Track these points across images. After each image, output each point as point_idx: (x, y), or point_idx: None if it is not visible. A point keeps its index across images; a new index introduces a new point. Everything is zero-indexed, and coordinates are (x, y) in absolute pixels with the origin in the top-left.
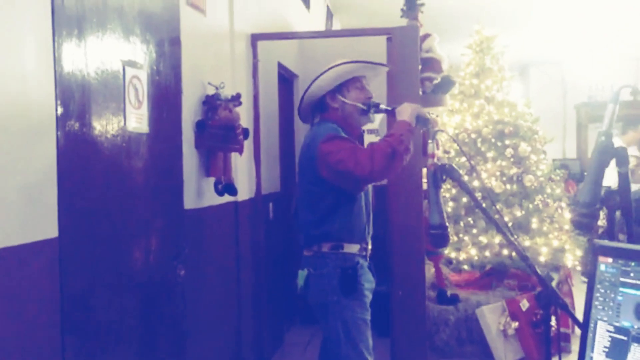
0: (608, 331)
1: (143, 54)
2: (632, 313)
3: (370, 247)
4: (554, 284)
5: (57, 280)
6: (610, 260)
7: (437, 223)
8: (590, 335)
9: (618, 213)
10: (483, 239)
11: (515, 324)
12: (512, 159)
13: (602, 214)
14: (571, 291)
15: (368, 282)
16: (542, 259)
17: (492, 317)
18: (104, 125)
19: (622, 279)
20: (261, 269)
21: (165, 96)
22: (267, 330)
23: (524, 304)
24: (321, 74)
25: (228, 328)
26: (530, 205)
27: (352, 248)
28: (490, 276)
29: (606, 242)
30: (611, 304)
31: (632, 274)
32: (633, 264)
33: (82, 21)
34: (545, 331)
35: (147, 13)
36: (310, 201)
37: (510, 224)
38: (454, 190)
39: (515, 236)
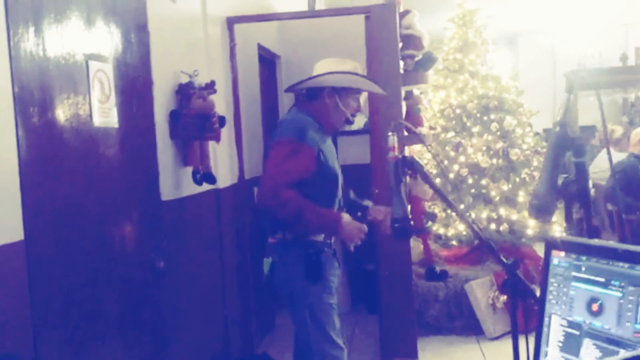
0: (561, 325)
1: (108, 46)
2: (584, 308)
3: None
4: (542, 255)
5: (26, 285)
6: (562, 254)
7: (399, 216)
8: (545, 329)
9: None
10: (471, 214)
11: (504, 298)
12: (497, 133)
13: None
14: None
15: (333, 268)
16: (529, 231)
17: (481, 291)
18: (70, 122)
19: (574, 274)
20: (247, 253)
21: (134, 88)
22: (255, 315)
23: None
24: (335, 72)
25: (214, 317)
26: (517, 179)
27: (317, 236)
28: (479, 251)
29: (559, 236)
30: (564, 298)
31: (583, 269)
32: (584, 258)
33: (39, 14)
34: (512, 319)
35: (110, 1)
36: None
37: (497, 198)
38: (441, 165)
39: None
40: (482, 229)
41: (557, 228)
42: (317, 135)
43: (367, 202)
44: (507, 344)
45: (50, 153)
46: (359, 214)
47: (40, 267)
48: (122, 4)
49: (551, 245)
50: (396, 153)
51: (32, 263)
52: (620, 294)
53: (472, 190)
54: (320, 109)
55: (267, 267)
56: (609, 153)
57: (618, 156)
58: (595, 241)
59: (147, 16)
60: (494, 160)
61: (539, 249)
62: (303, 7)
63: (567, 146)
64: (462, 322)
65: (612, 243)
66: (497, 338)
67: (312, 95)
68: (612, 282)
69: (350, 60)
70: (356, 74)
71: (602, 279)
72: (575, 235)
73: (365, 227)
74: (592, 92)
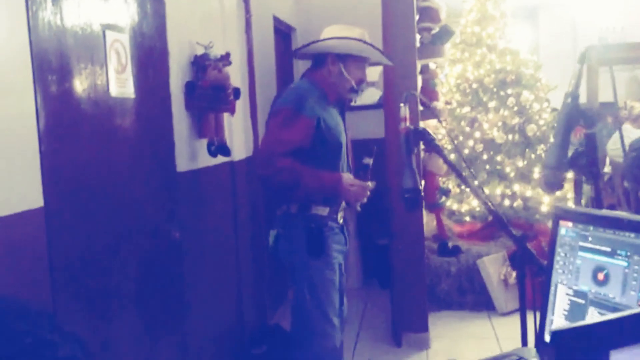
0: (567, 294)
1: (124, 16)
2: (590, 277)
3: (343, 208)
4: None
5: (45, 252)
6: (570, 224)
7: (410, 187)
8: (551, 298)
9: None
10: (485, 190)
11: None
12: (514, 109)
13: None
14: None
15: (337, 244)
16: (544, 208)
17: (493, 267)
18: (87, 92)
19: (580, 243)
20: (261, 226)
21: (150, 59)
22: (268, 287)
23: None
24: (340, 37)
25: (228, 288)
26: (533, 155)
27: (322, 210)
28: (492, 227)
29: (567, 207)
30: (570, 267)
31: (590, 239)
32: (591, 228)
33: None
34: (520, 291)
35: None
36: None
37: (512, 174)
38: (455, 141)
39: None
40: (496, 204)
41: (572, 205)
42: (317, 104)
43: (368, 160)
44: (518, 320)
45: (68, 122)
46: (360, 172)
47: (59, 234)
48: None
49: (559, 215)
50: (408, 124)
51: (51, 230)
52: (625, 263)
53: (487, 167)
54: (324, 77)
55: (272, 239)
56: (620, 131)
57: (636, 133)
58: (602, 211)
59: None
60: (510, 136)
61: None
62: None
63: (578, 118)
64: (474, 298)
65: (618, 213)
66: (508, 314)
67: (317, 63)
68: (618, 251)
69: (357, 28)
70: (362, 41)
71: (608, 249)
72: None
73: (369, 184)
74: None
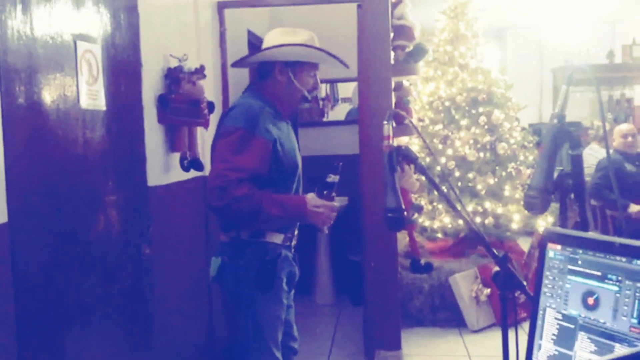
0: (556, 319)
1: (97, 27)
2: (580, 301)
3: (296, 235)
4: (526, 249)
5: (9, 268)
6: (559, 247)
7: (393, 206)
8: (539, 322)
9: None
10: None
11: (488, 291)
12: (485, 127)
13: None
14: None
15: (289, 276)
16: (514, 225)
17: (465, 284)
18: (56, 104)
19: (570, 267)
20: None
21: (123, 70)
22: None
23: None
24: (284, 45)
25: (199, 304)
26: (503, 173)
27: (276, 237)
28: (464, 243)
29: (556, 229)
30: (559, 291)
31: (579, 262)
32: (581, 251)
33: None
34: (502, 312)
35: None
36: None
37: (483, 192)
38: (428, 159)
39: (480, 209)
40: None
41: (541, 222)
42: (271, 123)
43: (333, 178)
44: (489, 337)
45: (36, 134)
46: (325, 192)
47: (23, 250)
48: None
49: (547, 237)
50: (391, 142)
51: (15, 246)
52: (617, 288)
53: (459, 183)
54: (273, 89)
55: (215, 268)
56: (606, 147)
57: (602, 152)
58: (592, 234)
59: None
60: (481, 154)
61: (523, 243)
62: None
63: (564, 139)
64: (446, 315)
65: (609, 237)
66: (479, 330)
67: (263, 73)
68: (609, 276)
69: (303, 30)
70: (311, 46)
71: (598, 273)
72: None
73: (335, 204)
74: (579, 88)
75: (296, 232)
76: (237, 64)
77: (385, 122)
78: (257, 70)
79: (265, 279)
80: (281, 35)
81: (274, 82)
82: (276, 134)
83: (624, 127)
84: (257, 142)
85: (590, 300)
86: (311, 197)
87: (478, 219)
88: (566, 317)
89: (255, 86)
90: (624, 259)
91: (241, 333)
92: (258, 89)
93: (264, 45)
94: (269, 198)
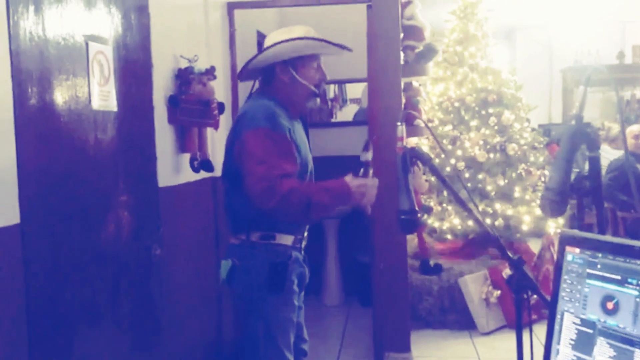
0: (574, 323)
1: (108, 27)
2: (599, 306)
3: (306, 237)
4: (536, 251)
5: (21, 268)
6: (577, 250)
7: (406, 208)
8: (556, 327)
9: None
10: (470, 209)
11: (498, 292)
12: (495, 127)
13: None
14: (553, 258)
15: (300, 277)
16: (524, 227)
17: (475, 285)
18: (68, 105)
19: (589, 271)
20: None
21: (134, 71)
22: None
23: (507, 272)
24: (278, 43)
25: (208, 305)
26: (514, 174)
27: (286, 239)
28: (473, 245)
29: (574, 232)
30: (578, 295)
31: (599, 266)
32: (600, 255)
33: None
34: (517, 316)
35: None
36: (238, 180)
37: (493, 193)
38: (437, 160)
39: (490, 210)
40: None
41: (552, 224)
42: (286, 122)
43: (366, 156)
44: (499, 339)
45: (48, 135)
46: (362, 170)
47: (35, 251)
48: None
49: (566, 241)
50: (404, 143)
51: (27, 246)
52: (637, 293)
53: (469, 185)
54: (279, 90)
55: (225, 271)
56: (625, 148)
57: (613, 154)
58: (612, 238)
59: None
60: (491, 155)
61: (533, 245)
62: None
63: (582, 140)
64: (455, 317)
65: (629, 240)
66: (489, 333)
67: (265, 78)
68: (629, 280)
69: (298, 26)
70: (305, 38)
71: (618, 277)
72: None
73: (375, 180)
74: (590, 89)
75: (306, 234)
76: (242, 76)
77: (398, 124)
78: (262, 77)
79: (276, 281)
80: (276, 36)
81: (279, 83)
82: (290, 132)
83: (635, 128)
84: (282, 138)
85: (610, 305)
86: (350, 178)
87: (488, 221)
88: (585, 322)
89: (261, 90)
90: None
91: (251, 339)
92: (265, 93)
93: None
94: (315, 187)
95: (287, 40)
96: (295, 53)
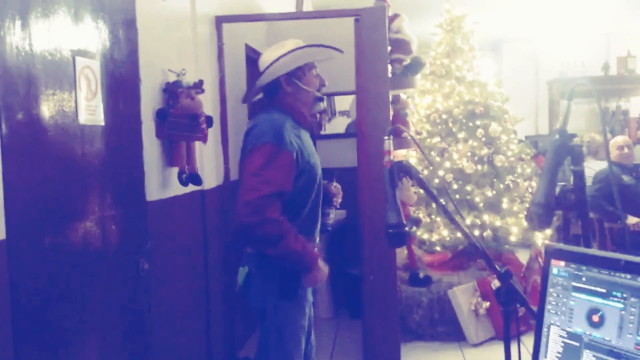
0: (561, 336)
1: (95, 42)
2: (584, 319)
3: (318, 244)
4: (525, 262)
5: (7, 284)
6: (562, 264)
7: (394, 222)
8: (543, 340)
9: None
10: (457, 221)
11: (487, 304)
12: (483, 139)
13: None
14: (541, 269)
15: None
16: (512, 238)
17: (464, 297)
18: (54, 119)
19: (574, 284)
20: (231, 256)
21: (121, 85)
22: (238, 320)
23: (495, 284)
24: (278, 58)
25: (197, 320)
26: (501, 185)
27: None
28: (462, 256)
29: (559, 245)
30: (563, 308)
31: (584, 279)
32: (585, 268)
33: (26, 7)
34: (505, 328)
35: None
36: None
37: (481, 205)
38: (425, 172)
39: (479, 221)
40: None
41: (540, 235)
42: (294, 135)
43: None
44: (489, 351)
45: (34, 150)
46: (325, 181)
47: (21, 267)
48: None
49: (551, 254)
50: (391, 157)
51: (13, 262)
52: (622, 305)
53: (457, 196)
54: (288, 101)
55: (242, 277)
56: (608, 159)
57: (596, 165)
58: (596, 251)
59: (135, 13)
60: (479, 167)
61: (521, 256)
62: (292, 8)
63: (566, 154)
64: (445, 328)
65: (614, 254)
66: (479, 344)
67: (271, 93)
68: (614, 293)
69: (289, 40)
70: (302, 47)
71: (603, 290)
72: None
73: (326, 272)
74: (575, 101)
75: (317, 241)
76: (247, 98)
77: (385, 137)
78: (264, 92)
79: (290, 289)
80: (272, 52)
81: (284, 95)
82: (298, 144)
83: (619, 139)
84: (284, 156)
85: (595, 318)
86: (321, 262)
87: (476, 232)
88: (571, 335)
89: (270, 104)
90: (629, 276)
91: (264, 345)
92: (275, 106)
93: (261, 69)
94: (294, 234)
95: (286, 54)
96: (297, 63)
